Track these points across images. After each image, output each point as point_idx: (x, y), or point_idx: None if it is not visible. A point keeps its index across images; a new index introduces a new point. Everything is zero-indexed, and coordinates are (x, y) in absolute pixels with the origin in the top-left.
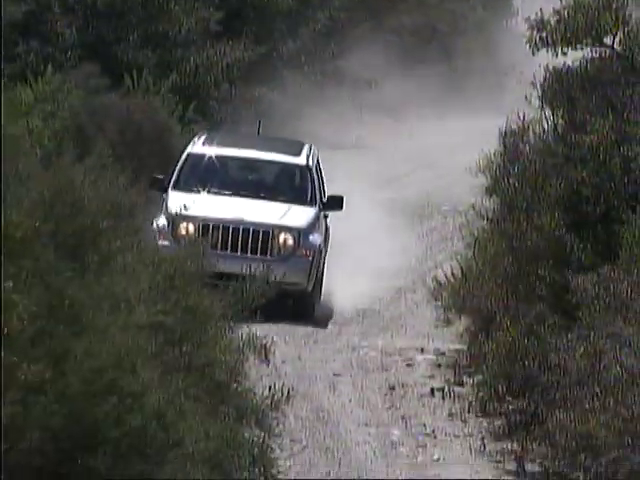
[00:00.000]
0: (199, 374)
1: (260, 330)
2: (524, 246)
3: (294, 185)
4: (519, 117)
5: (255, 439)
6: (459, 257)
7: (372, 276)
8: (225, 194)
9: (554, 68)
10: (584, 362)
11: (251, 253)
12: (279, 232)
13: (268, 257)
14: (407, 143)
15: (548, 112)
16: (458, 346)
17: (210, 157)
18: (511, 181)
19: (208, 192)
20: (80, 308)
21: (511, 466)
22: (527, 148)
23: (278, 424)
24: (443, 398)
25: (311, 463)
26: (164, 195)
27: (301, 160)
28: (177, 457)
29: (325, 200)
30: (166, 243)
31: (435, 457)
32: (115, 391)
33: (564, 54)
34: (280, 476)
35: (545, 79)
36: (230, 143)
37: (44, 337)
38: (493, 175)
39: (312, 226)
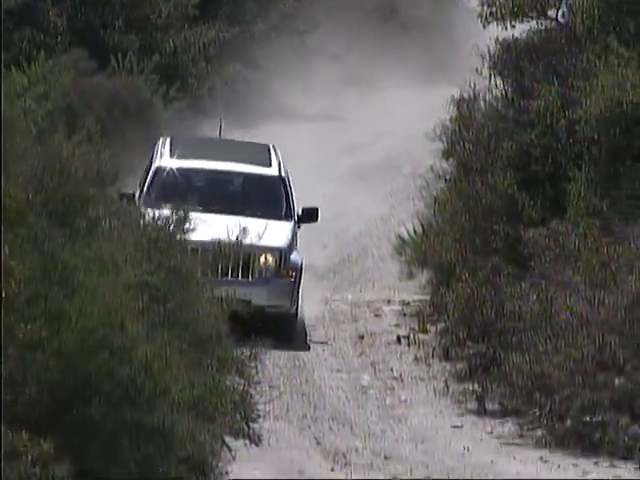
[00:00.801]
0: (183, 329)
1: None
2: (479, 204)
3: (269, 199)
4: (472, 86)
5: (236, 387)
6: (420, 216)
7: (340, 236)
8: (197, 211)
9: (503, 40)
10: (537, 308)
11: (232, 276)
12: (260, 253)
13: (250, 280)
14: (370, 113)
15: (498, 81)
16: (421, 297)
17: (179, 171)
18: (466, 145)
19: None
20: (72, 271)
21: (472, 405)
22: (479, 114)
23: (257, 372)
24: (409, 345)
25: (288, 407)
26: None
27: (273, 171)
28: (164, 405)
29: (300, 213)
30: None
31: (402, 399)
32: (106, 346)
33: (512, 27)
34: (260, 419)
35: (495, 50)
36: (197, 153)
37: (39, 299)
38: (449, 140)
39: (292, 244)
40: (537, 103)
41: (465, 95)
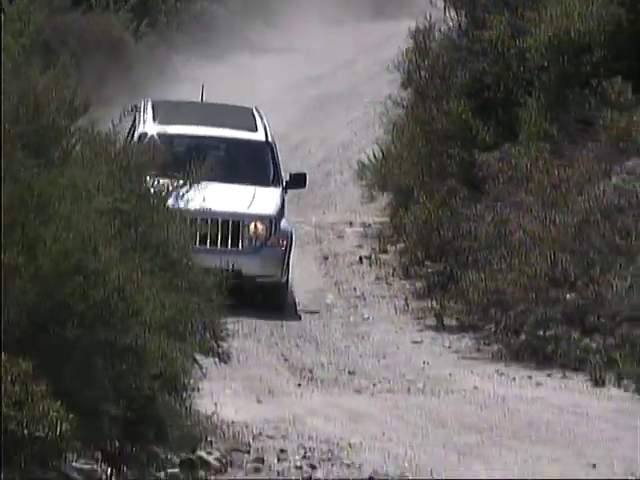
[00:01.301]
0: (154, 252)
1: None
2: (435, 130)
3: (256, 165)
4: (427, 18)
5: (205, 307)
6: (380, 142)
7: (304, 160)
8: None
9: None
10: (492, 228)
11: (221, 245)
12: (249, 221)
13: (240, 249)
14: (332, 46)
15: (452, 12)
16: (382, 219)
17: (164, 137)
18: (422, 74)
19: (164, 176)
20: (47, 199)
21: (431, 321)
22: (435, 45)
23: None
24: (370, 265)
25: (256, 326)
26: None
27: (260, 136)
28: (136, 325)
29: (287, 178)
30: None
31: (365, 316)
32: (80, 270)
33: None
34: (229, 338)
35: None
36: (181, 118)
37: (17, 226)
38: (406, 69)
39: (281, 211)
40: (489, 33)
41: (421, 26)
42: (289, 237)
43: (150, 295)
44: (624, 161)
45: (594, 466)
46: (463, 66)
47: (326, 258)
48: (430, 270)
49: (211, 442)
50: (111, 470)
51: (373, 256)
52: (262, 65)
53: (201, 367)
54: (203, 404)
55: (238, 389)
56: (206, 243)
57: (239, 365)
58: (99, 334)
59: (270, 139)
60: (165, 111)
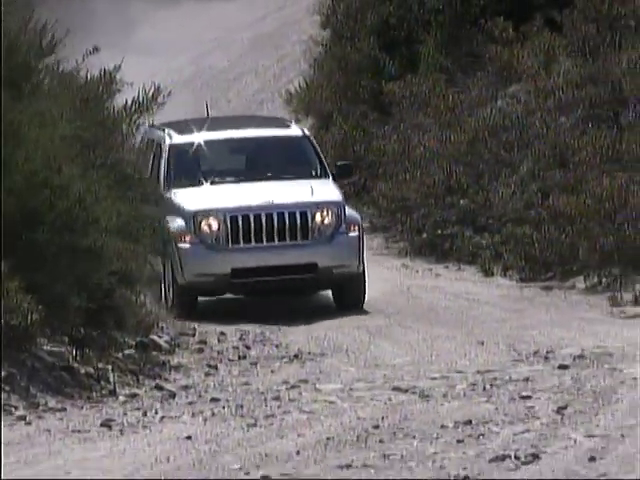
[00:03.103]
0: (110, 169)
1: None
2: (350, 64)
3: (300, 160)
4: None
5: (154, 215)
6: (304, 75)
7: (242, 93)
8: (229, 182)
9: None
10: (397, 146)
11: (290, 239)
12: (317, 210)
13: (310, 240)
14: None
15: None
16: None
17: (197, 144)
18: (338, 17)
19: (211, 183)
20: (19, 126)
21: None
22: None
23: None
24: None
25: None
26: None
27: (296, 131)
28: (96, 230)
29: (335, 170)
30: (187, 246)
31: None
32: (47, 185)
33: None
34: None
35: None
36: (210, 127)
37: None
38: (326, 13)
39: (344, 198)
40: None
41: None
42: (360, 224)
43: (107, 205)
44: (507, 87)
45: (482, 343)
46: (372, 10)
47: None
48: (346, 182)
49: (162, 328)
50: (76, 352)
51: None
52: (203, 12)
53: (151, 265)
54: (155, 295)
55: None
56: (273, 239)
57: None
58: (64, 238)
59: (307, 133)
60: (185, 125)
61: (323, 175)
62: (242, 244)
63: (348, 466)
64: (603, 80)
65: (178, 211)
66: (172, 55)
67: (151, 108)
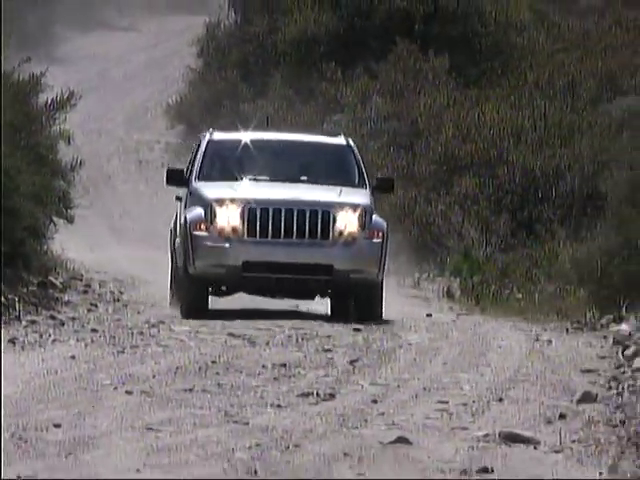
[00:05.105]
0: (31, 150)
1: None
2: (216, 87)
3: (340, 167)
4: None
5: (62, 186)
6: (181, 92)
7: (131, 101)
8: (264, 180)
9: None
10: None
11: (309, 238)
12: (340, 210)
13: (329, 241)
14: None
15: (232, 13)
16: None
17: (237, 142)
18: (210, 51)
19: (242, 179)
20: None
21: None
22: (219, 32)
23: (76, 177)
24: None
25: (93, 202)
26: (189, 187)
27: (341, 140)
28: (16, 195)
29: (375, 183)
30: (203, 234)
31: None
32: None
33: None
34: (74, 209)
35: None
36: (257, 129)
37: None
38: (201, 46)
39: (373, 206)
40: (254, 28)
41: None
42: (385, 231)
43: (27, 177)
44: (333, 115)
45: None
46: (236, 48)
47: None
48: None
49: (58, 272)
50: None
51: None
52: (112, 38)
53: (55, 224)
54: (56, 248)
55: (76, 239)
56: (290, 236)
57: (78, 226)
58: (8, 202)
59: (351, 143)
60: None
61: (361, 186)
62: (258, 237)
63: (190, 390)
64: (404, 116)
65: (199, 200)
66: (84, 68)
67: (66, 107)
